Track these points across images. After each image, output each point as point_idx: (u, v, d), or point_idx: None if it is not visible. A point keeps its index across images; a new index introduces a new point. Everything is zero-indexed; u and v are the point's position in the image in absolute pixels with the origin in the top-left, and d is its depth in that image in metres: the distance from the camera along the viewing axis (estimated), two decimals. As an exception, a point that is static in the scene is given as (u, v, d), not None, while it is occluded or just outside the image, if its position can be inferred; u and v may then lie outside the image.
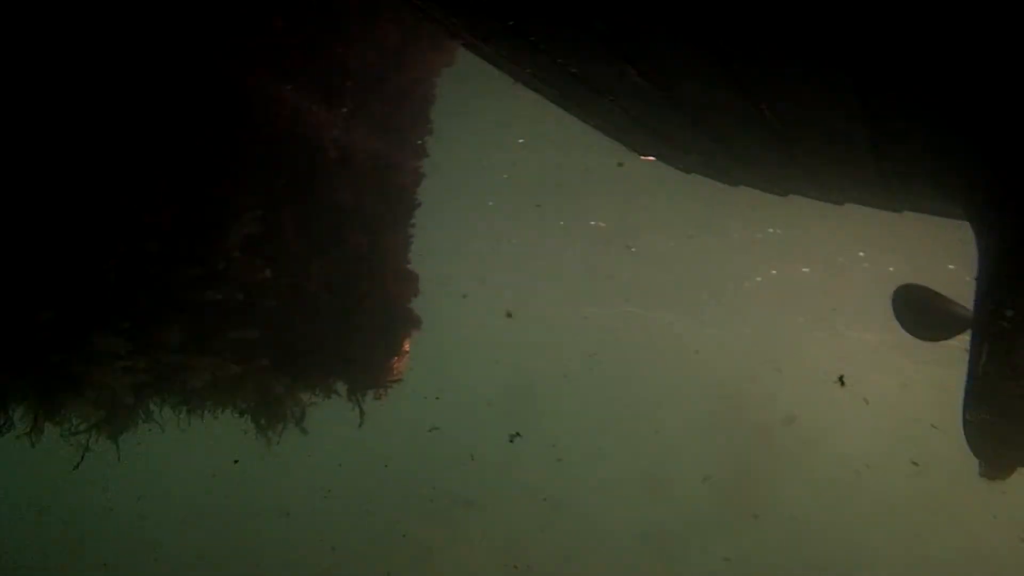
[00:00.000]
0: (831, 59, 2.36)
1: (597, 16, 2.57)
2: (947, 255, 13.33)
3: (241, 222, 6.01)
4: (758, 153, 3.86)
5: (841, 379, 17.99)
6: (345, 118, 7.80)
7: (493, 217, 20.38)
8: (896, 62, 2.27)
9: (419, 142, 8.84)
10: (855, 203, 4.91)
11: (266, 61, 6.62)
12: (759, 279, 20.74)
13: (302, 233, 7.14)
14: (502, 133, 12.82)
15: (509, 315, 22.31)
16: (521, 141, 13.35)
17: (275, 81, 6.91)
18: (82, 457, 6.42)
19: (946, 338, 4.30)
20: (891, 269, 15.26)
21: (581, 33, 2.82)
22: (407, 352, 9.00)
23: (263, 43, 6.59)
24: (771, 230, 15.42)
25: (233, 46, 6.29)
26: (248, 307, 6.56)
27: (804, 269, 17.78)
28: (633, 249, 21.54)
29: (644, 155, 5.57)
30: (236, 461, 11.09)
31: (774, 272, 19.16)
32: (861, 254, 15.97)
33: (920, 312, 4.47)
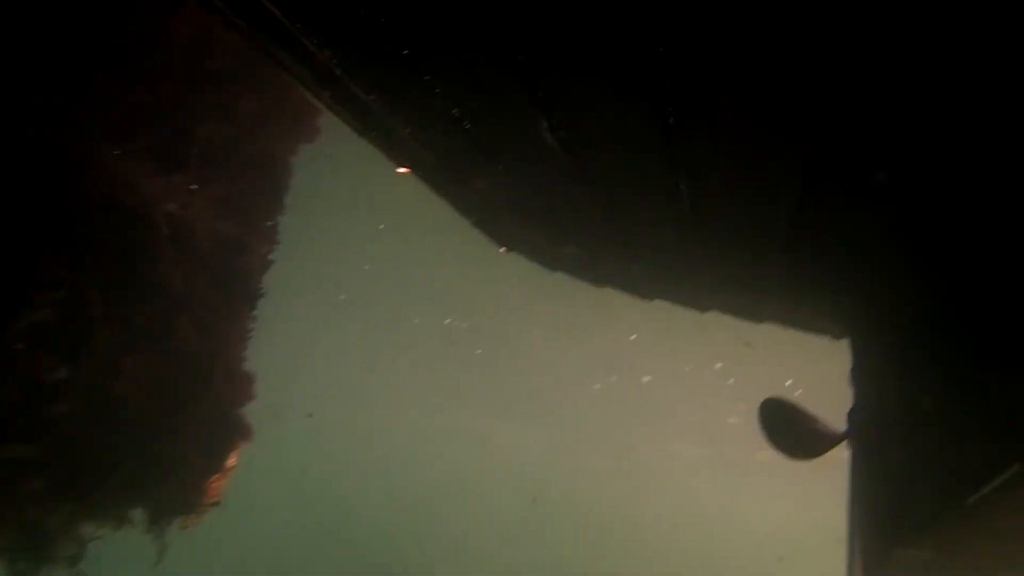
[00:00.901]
0: (797, 139, 2.03)
1: (520, 44, 1.97)
2: (800, 369, 14.24)
3: (31, 306, 4.64)
4: (654, 240, 3.47)
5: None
6: (184, 191, 6.69)
7: (344, 311, 19.13)
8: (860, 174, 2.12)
9: (269, 224, 7.84)
10: (721, 310, 4.71)
11: (82, 118, 5.49)
12: (597, 386, 21.14)
13: (114, 322, 5.79)
14: (363, 218, 12.06)
15: (310, 415, 20.68)
16: (382, 227, 12.61)
17: (93, 142, 5.75)
18: None
19: (814, 456, 4.09)
20: (731, 381, 16.18)
21: (495, 67, 2.24)
22: (232, 468, 7.55)
23: (79, 98, 5.49)
24: (632, 336, 15.78)
25: (39, 100, 5.15)
26: (27, 414, 5.04)
27: (645, 378, 18.36)
28: (479, 352, 21.17)
29: (506, 247, 5.02)
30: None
31: (613, 379, 19.63)
32: (689, 368, 16.79)
33: (786, 428, 4.23)
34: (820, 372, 13.92)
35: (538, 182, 3.12)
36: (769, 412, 4.29)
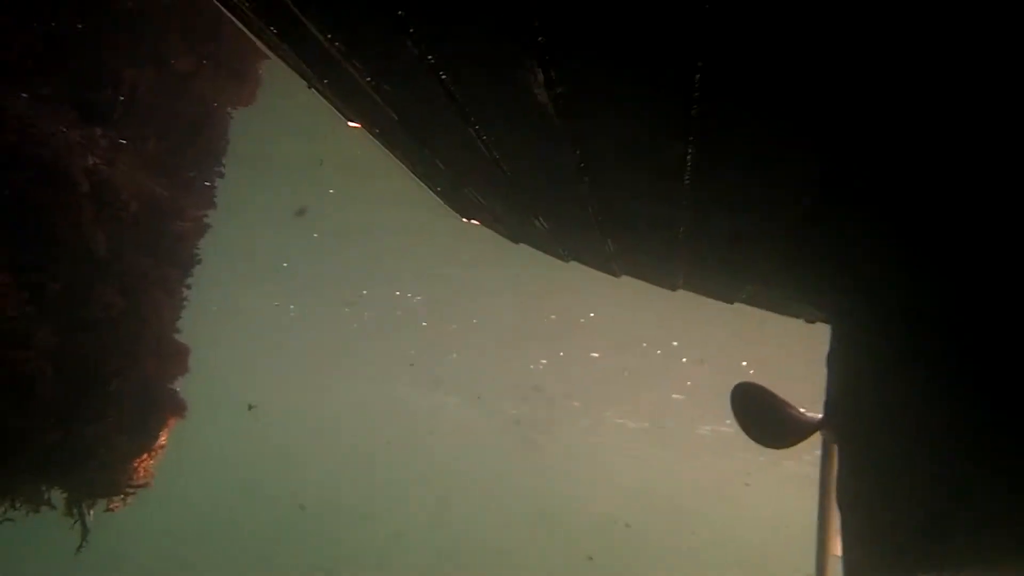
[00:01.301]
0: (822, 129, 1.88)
1: None
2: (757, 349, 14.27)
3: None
4: (641, 217, 3.23)
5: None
6: (107, 145, 6.05)
7: (281, 281, 18.31)
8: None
9: (205, 185, 7.24)
10: (694, 291, 4.50)
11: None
12: (544, 362, 21.04)
13: (24, 289, 5.18)
14: (311, 178, 11.32)
15: (250, 407, 19.96)
16: (332, 191, 11.92)
17: None
18: None
19: (788, 445, 3.88)
20: (684, 360, 16.25)
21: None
22: (163, 447, 7.03)
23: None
24: (592, 314, 15.59)
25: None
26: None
27: (593, 354, 18.32)
28: (424, 324, 20.74)
29: (470, 218, 4.70)
30: None
31: (561, 354, 19.57)
32: (675, 343, 16.66)
33: (758, 415, 4.03)
34: (776, 353, 14.14)
35: (516, 147, 2.78)
36: (741, 398, 4.08)
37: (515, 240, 4.64)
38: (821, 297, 3.49)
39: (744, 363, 14.85)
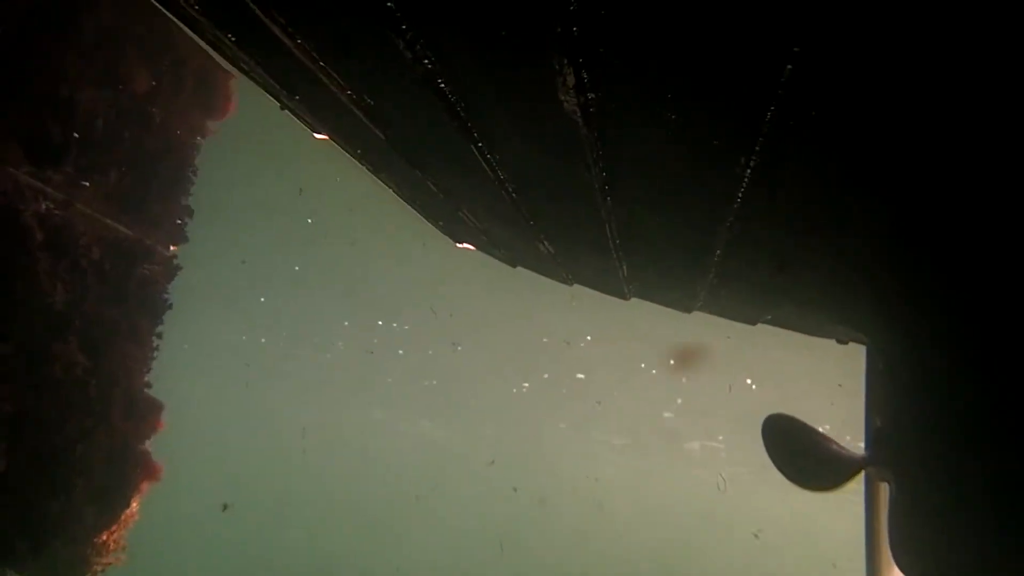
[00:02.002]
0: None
1: None
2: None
3: None
4: (667, 238, 2.86)
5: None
6: (63, 185, 5.42)
7: (258, 315, 17.52)
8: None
9: (176, 221, 6.62)
10: (711, 312, 4.10)
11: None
12: (526, 385, 20.54)
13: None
14: (290, 208, 10.64)
15: (225, 506, 19.04)
16: (310, 221, 11.25)
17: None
18: None
19: (830, 488, 3.38)
20: (684, 380, 15.88)
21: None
22: (134, 516, 6.33)
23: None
24: (588, 337, 15.10)
25: None
26: None
27: (579, 375, 17.86)
28: (401, 352, 20.11)
29: (462, 242, 4.26)
30: None
31: (546, 376, 19.08)
32: (644, 365, 16.26)
33: (793, 452, 3.57)
34: (778, 373, 13.89)
35: (526, 165, 2.32)
36: (773, 432, 3.63)
37: (513, 264, 4.18)
38: (868, 320, 3.07)
39: (749, 380, 14.54)
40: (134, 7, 5.85)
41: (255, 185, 10.24)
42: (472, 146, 2.14)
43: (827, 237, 2.36)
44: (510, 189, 2.48)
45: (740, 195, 2.04)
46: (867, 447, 3.97)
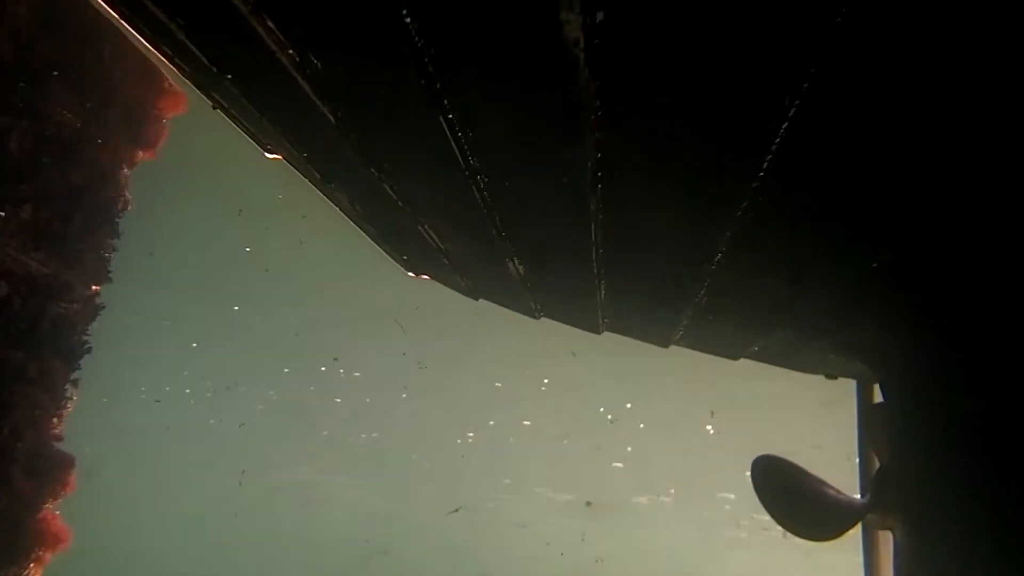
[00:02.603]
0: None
1: None
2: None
3: None
4: (664, 244, 2.59)
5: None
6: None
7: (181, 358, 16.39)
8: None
9: (97, 256, 6.04)
10: (690, 346, 3.84)
11: None
12: (471, 435, 19.89)
13: None
14: (224, 235, 9.99)
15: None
16: (248, 249, 10.58)
17: None
18: None
19: (832, 536, 3.11)
20: (641, 426, 15.56)
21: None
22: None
23: None
24: (546, 380, 14.54)
25: None
26: None
27: (526, 422, 17.34)
28: (338, 400, 19.21)
29: (419, 272, 3.93)
30: None
31: (492, 423, 18.49)
32: (628, 405, 15.73)
33: (787, 499, 3.29)
34: (739, 416, 13.79)
35: (506, 155, 2.02)
36: (763, 475, 3.36)
37: (475, 295, 3.80)
38: (874, 347, 2.85)
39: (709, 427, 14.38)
40: (61, 31, 5.43)
41: (189, 219, 9.64)
42: (441, 118, 1.79)
43: (842, 246, 2.19)
44: (482, 184, 2.15)
45: (755, 188, 1.82)
46: (861, 491, 3.71)
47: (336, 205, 3.02)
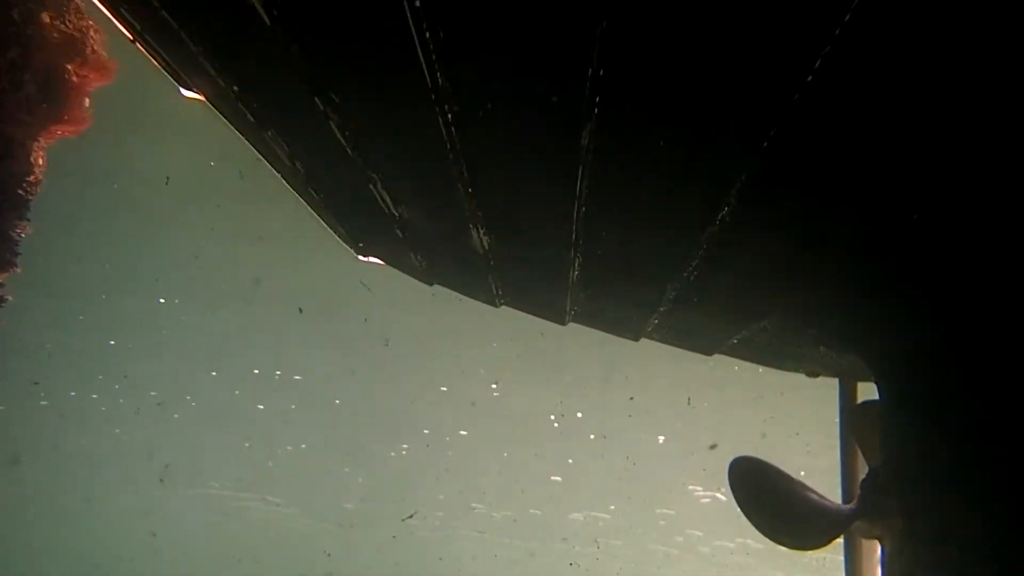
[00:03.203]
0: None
1: None
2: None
3: None
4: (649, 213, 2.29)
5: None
6: None
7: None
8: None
9: (2, 244, 5.38)
10: (663, 339, 3.53)
11: None
12: (405, 447, 19.18)
13: None
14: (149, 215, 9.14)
15: None
16: (180, 236, 9.70)
17: None
18: None
19: (818, 545, 2.86)
20: (592, 437, 15.26)
21: None
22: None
23: None
24: (493, 386, 14.00)
25: None
26: None
27: (462, 432, 16.71)
28: (261, 407, 18.10)
29: (367, 253, 3.56)
30: None
31: (427, 432, 17.81)
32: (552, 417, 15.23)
33: (769, 504, 3.02)
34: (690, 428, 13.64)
35: (491, 76, 1.64)
36: (741, 478, 3.05)
37: (429, 280, 3.43)
38: (871, 344, 2.67)
39: (662, 439, 14.18)
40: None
41: (111, 201, 8.79)
42: (408, 13, 1.41)
43: (825, 243, 2.03)
44: (451, 116, 1.75)
45: (769, 143, 1.59)
46: (843, 497, 3.35)
47: (273, 165, 2.58)
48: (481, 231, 2.47)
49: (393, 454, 19.85)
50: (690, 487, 15.86)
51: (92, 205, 8.92)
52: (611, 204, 2.07)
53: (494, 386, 13.99)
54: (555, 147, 1.82)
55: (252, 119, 2.22)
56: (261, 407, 17.89)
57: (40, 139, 5.63)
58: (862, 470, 3.07)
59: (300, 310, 11.53)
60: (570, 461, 16.97)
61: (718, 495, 15.99)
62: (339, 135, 2.04)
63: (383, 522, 25.83)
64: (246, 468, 22.39)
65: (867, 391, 3.23)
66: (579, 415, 14.53)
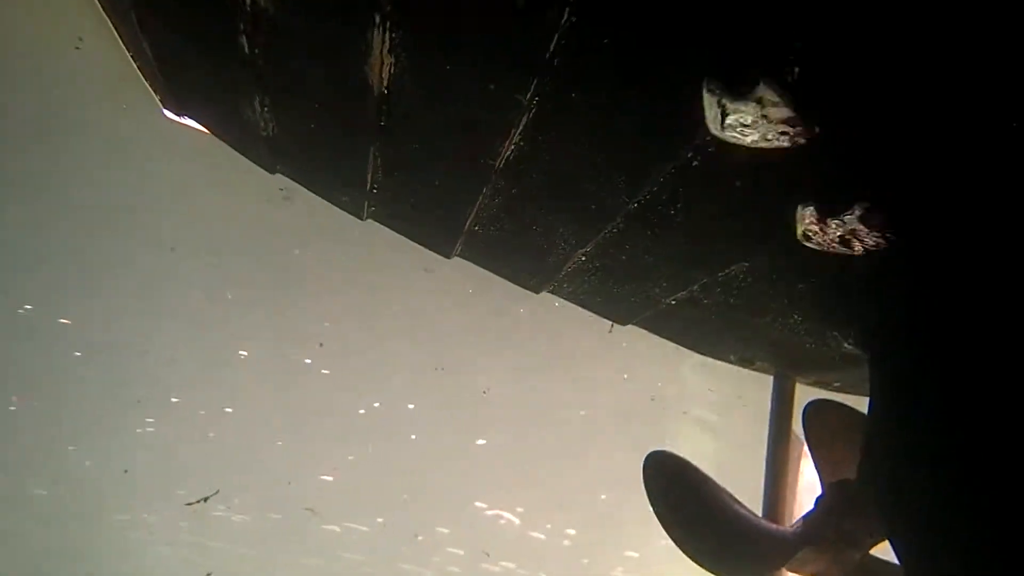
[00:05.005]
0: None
1: None
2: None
3: None
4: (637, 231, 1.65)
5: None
6: None
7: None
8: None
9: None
10: (571, 297, 2.02)
11: None
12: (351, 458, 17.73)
13: None
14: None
15: None
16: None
17: None
18: None
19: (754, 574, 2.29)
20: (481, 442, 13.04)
21: None
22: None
23: None
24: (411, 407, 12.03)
25: None
26: None
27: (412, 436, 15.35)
28: (176, 399, 16.23)
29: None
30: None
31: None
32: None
33: (692, 516, 2.30)
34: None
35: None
36: (656, 478, 2.30)
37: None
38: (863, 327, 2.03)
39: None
40: None
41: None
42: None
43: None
44: None
45: None
46: (764, 514, 2.66)
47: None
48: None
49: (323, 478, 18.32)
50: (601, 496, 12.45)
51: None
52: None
53: (411, 407, 10.70)
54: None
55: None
56: (176, 399, 15.65)
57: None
58: (796, 485, 2.60)
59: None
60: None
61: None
62: None
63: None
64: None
65: (805, 392, 2.64)
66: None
